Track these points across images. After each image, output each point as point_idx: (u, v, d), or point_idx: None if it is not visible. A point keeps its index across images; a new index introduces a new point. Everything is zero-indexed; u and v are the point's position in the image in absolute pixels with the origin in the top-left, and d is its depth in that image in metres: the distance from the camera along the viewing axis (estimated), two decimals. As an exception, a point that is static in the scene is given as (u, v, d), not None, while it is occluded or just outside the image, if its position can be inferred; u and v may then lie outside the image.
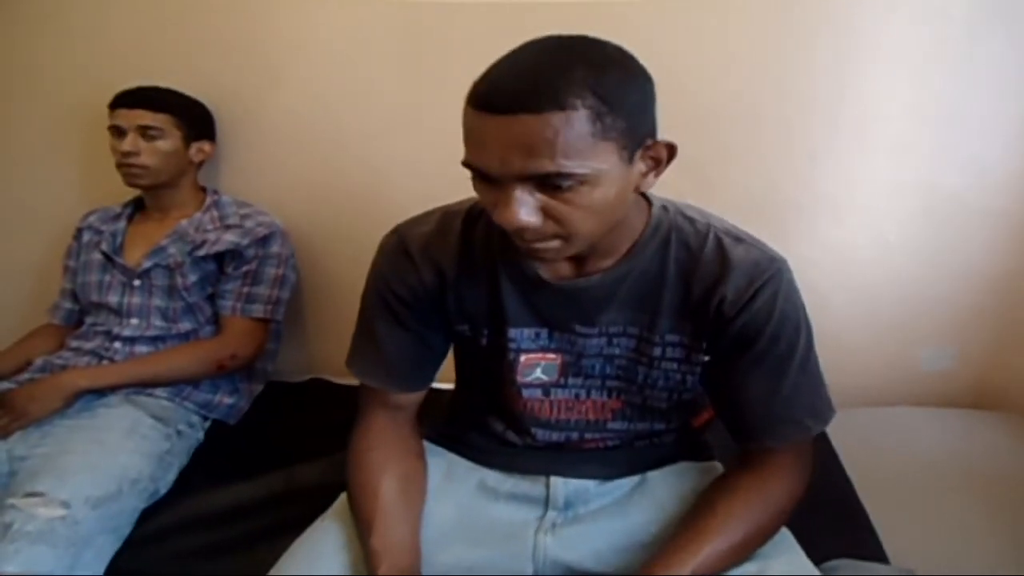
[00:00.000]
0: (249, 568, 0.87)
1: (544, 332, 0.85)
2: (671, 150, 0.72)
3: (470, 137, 0.67)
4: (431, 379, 0.94)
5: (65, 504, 1.05)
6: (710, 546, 0.76)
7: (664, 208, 0.83)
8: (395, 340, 0.88)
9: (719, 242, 0.80)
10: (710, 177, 1.38)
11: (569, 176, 0.65)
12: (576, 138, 0.63)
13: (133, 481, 1.16)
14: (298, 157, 1.56)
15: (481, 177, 0.69)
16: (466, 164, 0.69)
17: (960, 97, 1.33)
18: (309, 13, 1.46)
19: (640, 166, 0.71)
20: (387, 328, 0.88)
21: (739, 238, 0.81)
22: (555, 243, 0.71)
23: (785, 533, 0.84)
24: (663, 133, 0.73)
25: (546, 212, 0.68)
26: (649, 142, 0.70)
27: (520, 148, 0.63)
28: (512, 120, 0.63)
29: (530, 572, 0.87)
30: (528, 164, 0.64)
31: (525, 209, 0.67)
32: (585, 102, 0.63)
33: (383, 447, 0.89)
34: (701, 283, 0.79)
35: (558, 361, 0.86)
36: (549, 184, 0.66)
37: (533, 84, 0.62)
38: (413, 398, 0.93)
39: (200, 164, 1.49)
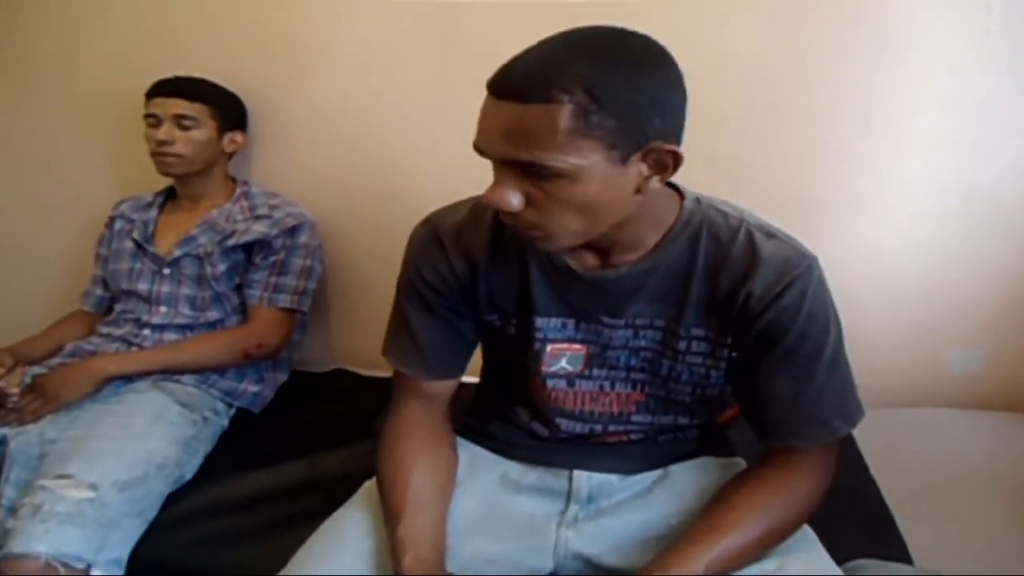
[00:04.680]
0: (272, 553, 0.87)
1: (571, 323, 0.85)
2: (676, 158, 0.70)
3: (480, 116, 0.71)
4: (463, 369, 0.95)
5: (94, 487, 1.07)
6: (727, 540, 0.75)
7: (697, 201, 0.82)
8: (427, 328, 0.89)
9: (750, 236, 0.79)
10: (738, 173, 1.37)
11: (544, 167, 0.67)
12: (555, 132, 0.65)
13: (159, 466, 1.18)
14: (326, 150, 1.57)
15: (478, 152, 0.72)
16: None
17: (997, 94, 1.30)
18: (340, 10, 1.47)
19: (640, 168, 0.70)
20: (420, 316, 0.89)
21: (771, 234, 0.80)
22: (536, 233, 0.73)
23: (807, 531, 0.83)
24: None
25: (528, 199, 0.70)
26: (654, 145, 0.69)
27: (503, 133, 0.67)
28: (502, 105, 0.67)
29: (550, 566, 0.87)
30: (507, 150, 0.68)
31: (506, 191, 0.70)
32: (573, 97, 0.64)
33: (415, 436, 0.90)
34: (729, 277, 0.79)
35: (583, 352, 0.86)
36: (532, 173, 0.68)
37: (528, 74, 0.65)
38: (446, 387, 0.94)
39: (231, 155, 1.51)
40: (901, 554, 1.01)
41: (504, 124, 0.66)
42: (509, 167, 0.69)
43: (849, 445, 1.26)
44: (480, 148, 0.71)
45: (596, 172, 0.67)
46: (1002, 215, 1.38)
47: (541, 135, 0.65)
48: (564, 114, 0.64)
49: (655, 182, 0.72)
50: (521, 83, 0.65)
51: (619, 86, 0.65)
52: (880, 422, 1.32)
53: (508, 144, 0.67)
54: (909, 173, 1.38)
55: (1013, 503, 1.12)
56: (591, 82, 0.64)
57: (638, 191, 0.72)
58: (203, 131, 1.42)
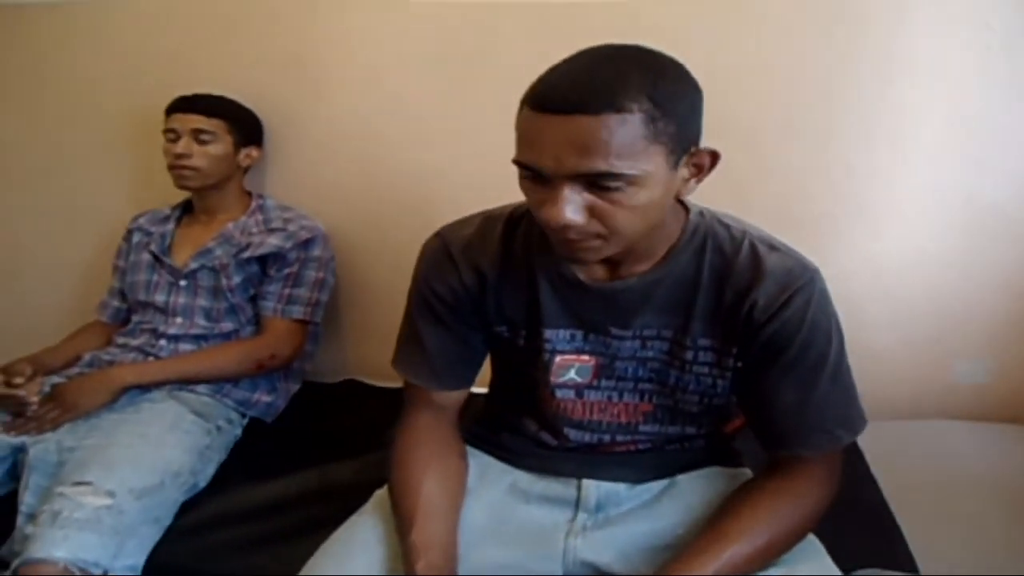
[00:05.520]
0: (284, 561, 0.89)
1: (579, 334, 0.86)
2: (714, 157, 0.74)
3: (525, 136, 0.70)
4: (472, 379, 0.96)
5: (111, 494, 1.09)
6: (733, 549, 0.76)
7: (701, 214, 0.84)
8: (437, 339, 0.91)
9: (753, 249, 0.81)
10: (745, 186, 1.38)
11: (619, 176, 0.67)
12: (630, 140, 0.66)
13: (175, 474, 1.19)
14: (339, 164, 1.60)
15: (531, 176, 0.71)
16: (517, 162, 0.72)
17: (999, 108, 1.32)
18: (353, 25, 1.51)
19: (684, 172, 0.73)
20: (430, 328, 0.91)
21: (774, 246, 0.82)
22: (596, 242, 0.73)
23: (812, 540, 0.84)
24: (702, 141, 0.74)
25: (591, 211, 0.70)
26: (693, 149, 0.73)
27: (575, 147, 0.66)
28: (568, 120, 0.65)
29: (559, 574, 0.87)
30: (582, 163, 0.66)
31: (571, 207, 0.69)
32: (641, 106, 0.65)
33: (426, 445, 0.91)
34: (733, 288, 0.80)
35: (592, 363, 0.87)
36: (598, 184, 0.68)
37: (591, 86, 0.65)
38: (455, 397, 0.95)
39: (247, 169, 1.54)
40: (907, 564, 1.01)
41: (573, 138, 0.66)
42: (572, 181, 0.68)
43: (856, 456, 1.26)
44: (542, 167, 0.68)
45: (658, 177, 0.70)
46: (1006, 226, 1.39)
47: (616, 144, 0.65)
48: (636, 121, 0.65)
49: (693, 184, 0.75)
50: (586, 96, 0.65)
51: (673, 94, 0.68)
52: (886, 433, 1.33)
53: (582, 157, 0.66)
54: (913, 185, 1.39)
55: (1019, 514, 1.12)
56: (652, 91, 0.66)
57: (678, 195, 0.75)
58: (220, 146, 1.45)
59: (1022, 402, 1.48)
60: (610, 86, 0.65)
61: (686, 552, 0.77)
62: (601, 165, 0.66)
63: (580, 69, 0.68)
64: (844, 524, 0.84)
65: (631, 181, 0.68)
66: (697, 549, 0.77)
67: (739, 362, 0.83)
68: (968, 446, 1.33)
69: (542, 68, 0.71)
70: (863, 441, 1.15)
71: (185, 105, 1.44)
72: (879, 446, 1.25)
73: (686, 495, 0.91)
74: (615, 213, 0.70)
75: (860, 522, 1.06)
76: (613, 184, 0.68)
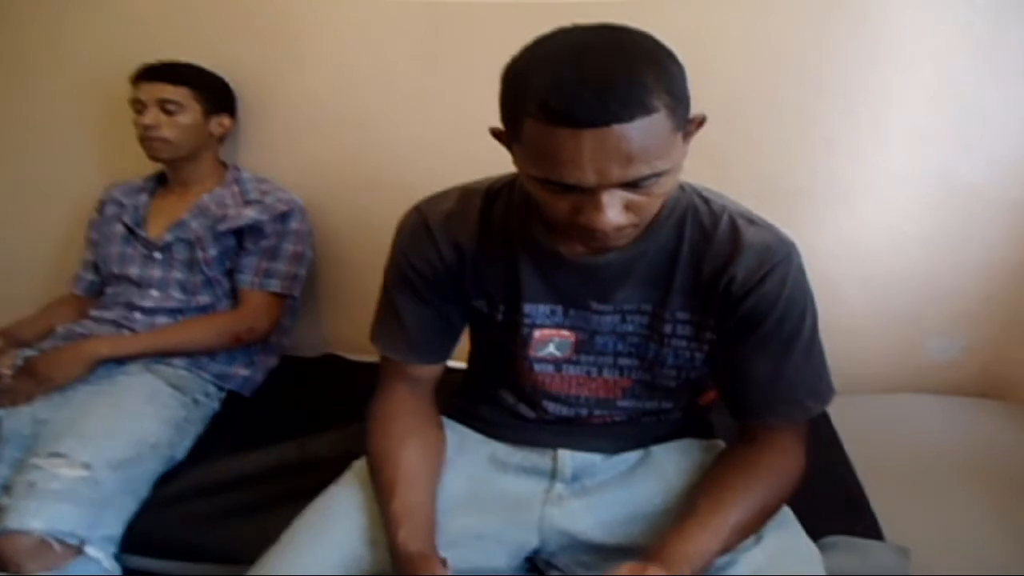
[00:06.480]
0: (263, 530, 0.89)
1: (559, 309, 0.87)
2: (701, 122, 0.74)
3: (554, 154, 0.66)
4: (450, 353, 0.96)
5: (86, 465, 1.09)
6: (732, 518, 0.77)
7: (682, 188, 0.84)
8: (415, 314, 0.91)
9: (733, 223, 0.81)
10: (723, 161, 1.37)
11: (659, 174, 0.67)
12: (663, 138, 0.66)
13: (152, 446, 1.19)
14: (317, 136, 1.58)
15: (561, 188, 0.68)
16: (545, 180, 0.68)
17: (981, 87, 1.32)
18: (328, -5, 1.47)
19: (685, 145, 0.73)
20: (407, 302, 0.90)
21: (753, 220, 0.82)
22: (628, 231, 0.73)
23: (785, 510, 0.86)
24: None
25: (628, 207, 0.70)
26: (689, 117, 0.72)
27: (617, 159, 0.65)
28: (604, 133, 0.63)
29: (536, 542, 0.90)
30: (627, 172, 0.66)
31: (614, 211, 0.69)
32: (663, 101, 0.65)
33: (403, 417, 0.91)
34: (712, 263, 0.81)
35: (572, 338, 0.88)
36: (636, 184, 0.68)
37: (616, 93, 0.63)
38: (432, 371, 0.96)
39: (221, 139, 1.51)
40: (873, 533, 1.04)
41: (613, 149, 0.64)
42: (614, 188, 0.67)
43: (826, 427, 1.29)
44: (584, 182, 0.66)
45: (680, 160, 0.71)
46: (982, 206, 1.40)
47: (655, 145, 0.65)
48: (663, 117, 0.65)
49: (686, 149, 0.74)
50: (616, 105, 0.63)
51: (677, 77, 0.68)
52: (858, 407, 1.36)
53: (626, 167, 0.65)
54: (891, 164, 1.40)
55: (985, 485, 1.16)
56: (664, 82, 0.65)
57: None
58: (188, 115, 1.42)
59: (992, 377, 1.52)
60: (633, 88, 0.63)
61: (687, 523, 0.77)
62: (645, 170, 0.66)
63: (593, 74, 0.64)
64: (813, 493, 0.86)
65: (664, 173, 0.68)
66: (698, 521, 0.77)
67: (714, 334, 0.84)
68: (937, 419, 1.36)
69: (526, 38, 0.70)
70: (833, 413, 1.17)
71: (149, 74, 1.40)
72: (850, 419, 1.28)
73: (661, 465, 0.93)
74: (648, 204, 0.71)
75: (828, 492, 1.08)
76: (651, 181, 0.68)
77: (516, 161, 0.73)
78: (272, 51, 1.53)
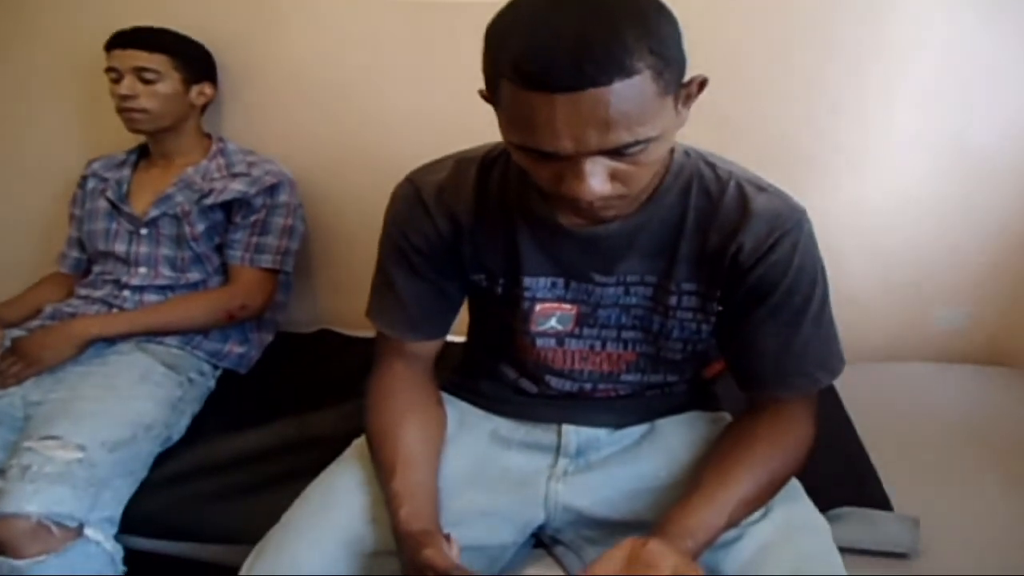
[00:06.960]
0: (263, 510, 0.88)
1: (560, 282, 0.84)
2: (702, 85, 0.70)
3: (527, 119, 0.62)
4: (448, 328, 0.94)
5: (81, 447, 1.07)
6: (740, 493, 0.76)
7: (686, 154, 0.81)
8: (412, 289, 0.88)
9: (740, 190, 0.78)
10: (727, 126, 1.34)
11: (644, 141, 0.63)
12: (646, 102, 0.61)
13: (147, 427, 1.18)
14: (303, 104, 1.53)
15: (538, 154, 0.65)
16: (523, 147, 0.65)
17: (992, 48, 1.28)
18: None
19: (683, 111, 0.69)
20: (404, 278, 0.88)
21: (761, 187, 0.79)
22: (617, 203, 0.70)
23: (793, 482, 0.85)
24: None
25: (614, 176, 0.66)
26: (685, 80, 0.68)
27: (594, 124, 0.61)
28: (579, 97, 0.59)
29: (541, 518, 0.89)
30: (606, 139, 0.62)
31: (597, 180, 0.65)
32: (646, 62, 0.60)
33: (403, 393, 0.90)
34: (719, 231, 0.78)
35: (573, 312, 0.85)
36: (619, 151, 0.64)
37: (592, 54, 0.58)
38: (430, 347, 0.93)
39: (203, 108, 1.46)
40: (882, 503, 1.03)
41: (591, 114, 0.60)
42: (596, 156, 0.64)
43: (832, 398, 1.28)
44: (559, 149, 0.63)
45: (670, 126, 0.66)
46: (991, 172, 1.37)
47: (637, 110, 0.61)
48: (646, 80, 0.60)
49: (686, 115, 0.70)
50: (592, 66, 0.58)
51: (668, 37, 0.63)
52: (864, 376, 1.35)
53: (605, 133, 0.61)
54: (899, 128, 1.37)
55: (991, 453, 1.15)
56: (649, 41, 0.60)
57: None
58: (167, 84, 1.36)
59: (998, 345, 1.51)
60: (612, 49, 0.58)
61: (695, 498, 0.75)
62: (626, 137, 0.62)
63: (568, 35, 0.59)
64: (820, 464, 0.85)
65: (650, 140, 0.64)
66: (705, 495, 0.75)
67: (721, 305, 0.82)
68: (943, 388, 1.36)
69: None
70: (839, 383, 1.15)
71: (124, 40, 1.34)
72: (855, 388, 1.27)
73: (667, 439, 0.91)
74: (636, 173, 0.67)
75: (835, 462, 1.08)
76: (635, 149, 0.64)
77: (500, 126, 0.69)
78: (254, 15, 1.47)
